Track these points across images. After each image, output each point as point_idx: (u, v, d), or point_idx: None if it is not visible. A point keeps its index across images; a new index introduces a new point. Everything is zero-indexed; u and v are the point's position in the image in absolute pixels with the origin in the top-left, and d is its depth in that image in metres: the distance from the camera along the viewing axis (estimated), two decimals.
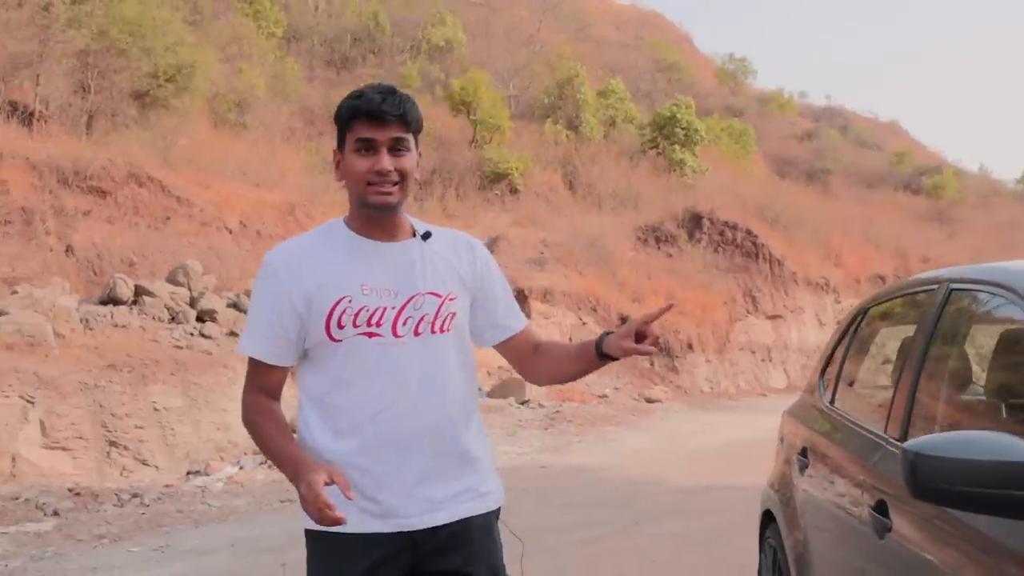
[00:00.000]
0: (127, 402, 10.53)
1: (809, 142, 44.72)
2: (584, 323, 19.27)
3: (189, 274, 12.95)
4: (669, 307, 2.26)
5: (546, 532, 6.46)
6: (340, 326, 2.14)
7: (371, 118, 2.14)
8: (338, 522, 1.93)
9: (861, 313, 3.39)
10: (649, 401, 17.49)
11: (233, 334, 12.58)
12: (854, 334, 3.40)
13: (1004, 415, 2.27)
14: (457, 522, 2.19)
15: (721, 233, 23.45)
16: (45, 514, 8.00)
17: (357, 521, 2.06)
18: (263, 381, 2.22)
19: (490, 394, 14.95)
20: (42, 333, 10.69)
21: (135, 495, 8.73)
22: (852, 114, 56.20)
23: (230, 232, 16.40)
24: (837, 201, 34.05)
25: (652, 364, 19.76)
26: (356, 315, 2.14)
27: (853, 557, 2.61)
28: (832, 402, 3.33)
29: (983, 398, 2.49)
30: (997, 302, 2.32)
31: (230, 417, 11.41)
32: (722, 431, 13.66)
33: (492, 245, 21.23)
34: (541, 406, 15.14)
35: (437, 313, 2.20)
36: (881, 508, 2.40)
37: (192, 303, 12.64)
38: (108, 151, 16.33)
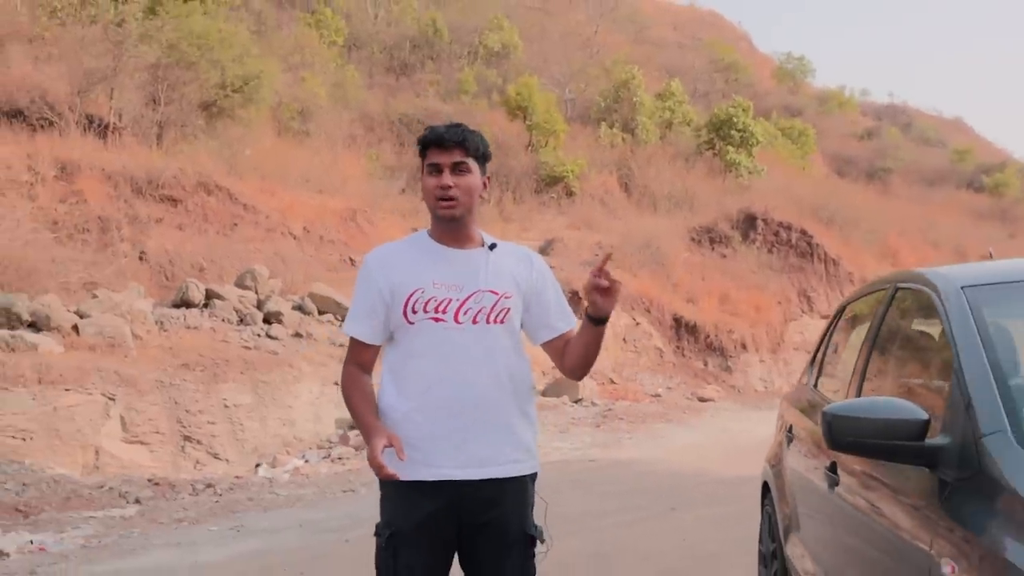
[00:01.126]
0: (200, 399, 11.29)
1: (869, 141, 44.42)
2: (638, 323, 19.70)
3: (256, 278, 13.72)
4: (608, 256, 2.79)
5: (586, 516, 6.99)
6: (414, 311, 2.74)
7: (437, 145, 2.75)
8: (391, 478, 2.55)
9: (841, 309, 3.91)
10: (702, 400, 17.85)
11: (298, 335, 13.31)
12: (835, 327, 3.92)
13: (908, 390, 2.79)
14: (496, 480, 2.73)
15: (775, 233, 23.66)
16: (128, 501, 8.73)
17: (410, 471, 2.64)
18: (359, 357, 2.85)
19: (544, 393, 15.47)
20: (121, 335, 11.49)
21: (209, 485, 9.44)
22: (915, 111, 55.55)
23: (294, 238, 17.18)
24: (897, 200, 33.89)
25: (706, 364, 20.12)
26: (426, 304, 2.74)
27: (817, 512, 3.14)
28: (815, 385, 3.84)
29: (907, 380, 2.97)
30: (924, 300, 2.81)
31: (295, 413, 12.14)
32: (771, 427, 13.96)
33: (548, 248, 21.79)
34: (594, 404, 15.63)
35: (493, 307, 2.77)
36: (833, 468, 2.93)
37: (259, 306, 13.40)
38: (178, 161, 17.25)
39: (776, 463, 4.13)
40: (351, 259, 17.62)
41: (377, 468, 2.56)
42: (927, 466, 2.28)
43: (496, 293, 2.79)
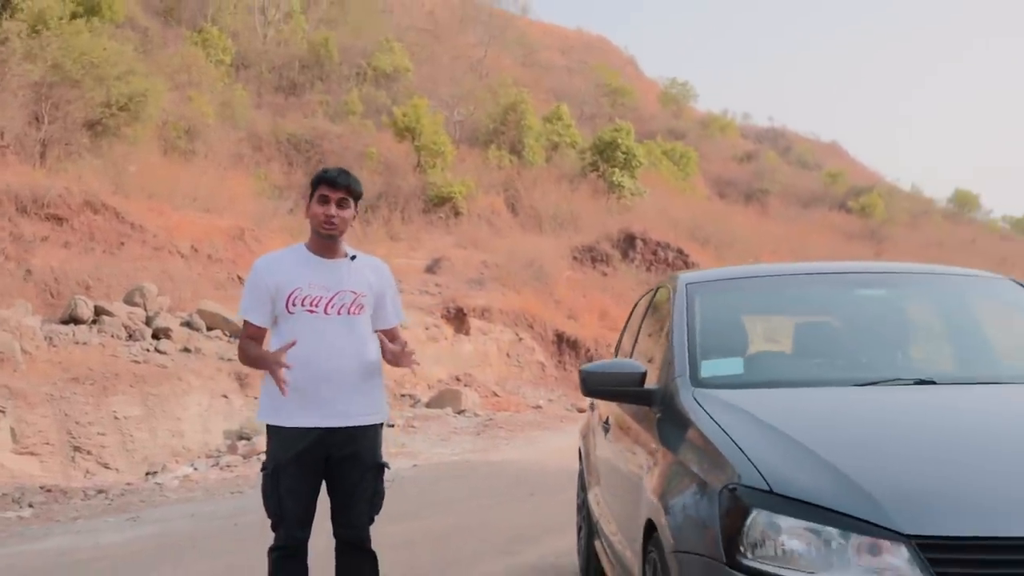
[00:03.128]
0: (90, 411, 11.86)
1: (749, 163, 46.91)
2: (521, 339, 20.85)
3: (145, 295, 14.33)
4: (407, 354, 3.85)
5: (456, 501, 8.00)
6: (294, 304, 3.77)
7: (328, 184, 3.76)
8: (282, 380, 3.57)
9: (634, 306, 5.07)
10: (580, 411, 18.99)
11: (187, 350, 13.96)
12: (629, 319, 5.10)
13: (651, 354, 3.92)
14: (355, 427, 3.78)
15: (654, 252, 25.21)
16: (21, 506, 9.33)
17: (290, 419, 3.69)
18: (252, 335, 3.86)
19: (428, 404, 16.40)
20: (10, 350, 11.98)
21: (100, 491, 10.05)
22: (794, 135, 58.73)
23: (182, 256, 17.74)
24: (773, 220, 36.07)
25: None
26: (303, 299, 3.76)
27: (601, 460, 4.24)
28: None
29: (652, 347, 4.10)
30: (667, 293, 3.95)
31: (184, 425, 12.80)
32: None
33: (435, 266, 22.80)
34: (476, 415, 16.61)
35: (353, 303, 3.82)
36: (607, 421, 4.03)
37: (148, 322, 14.01)
38: (63, 179, 17.64)
39: (585, 434, 5.28)
40: (239, 277, 18.26)
41: (274, 364, 3.61)
42: (646, 404, 3.38)
43: (355, 292, 3.83)
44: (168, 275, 16.69)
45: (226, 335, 14.72)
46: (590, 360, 21.79)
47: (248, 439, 12.61)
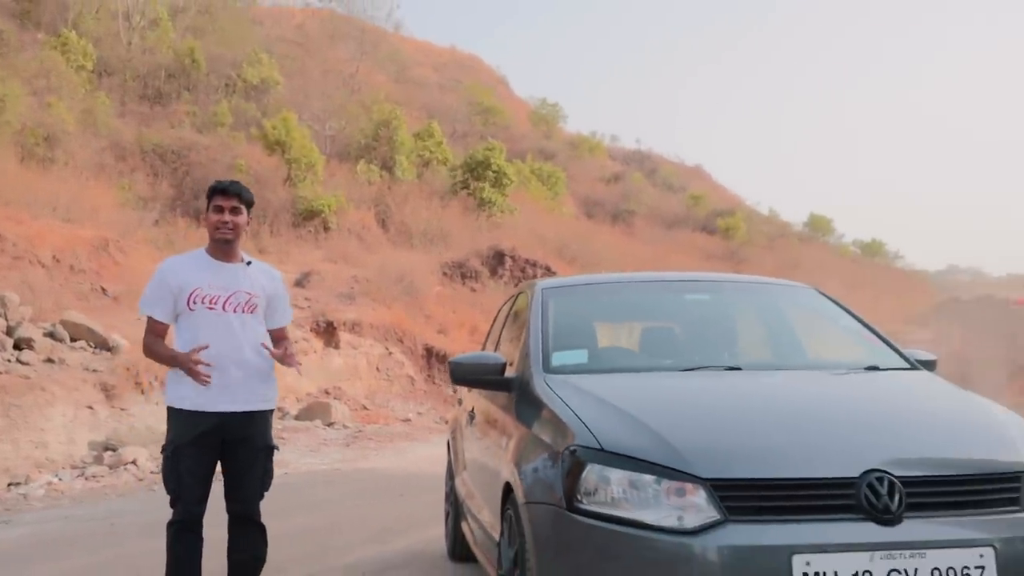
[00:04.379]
0: None
1: (616, 184, 48.52)
2: (391, 353, 21.25)
3: (7, 304, 14.16)
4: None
5: (328, 502, 8.42)
6: (194, 302, 4.21)
7: (222, 193, 4.27)
8: (199, 366, 4.04)
9: (500, 308, 5.69)
10: (448, 423, 19.58)
11: (50, 361, 13.86)
12: (495, 320, 5.71)
13: (511, 348, 4.53)
14: (248, 412, 4.24)
15: (522, 269, 25.99)
16: None
17: (197, 404, 4.14)
18: (155, 331, 4.28)
19: (297, 417, 16.64)
20: None
21: None
22: (660, 158, 60.94)
23: (43, 266, 17.48)
24: (638, 240, 37.49)
25: (455, 391, 21.90)
26: (203, 298, 4.21)
27: (467, 445, 4.81)
28: None
29: (513, 342, 4.71)
30: (527, 297, 4.56)
31: (48, 436, 12.72)
32: None
33: (304, 280, 22.97)
34: (345, 427, 16.94)
35: (248, 302, 4.32)
36: (473, 411, 4.60)
37: (9, 332, 13.84)
38: None
39: (454, 427, 5.87)
40: (103, 288, 18.12)
41: (189, 363, 4.07)
42: (505, 390, 3.96)
43: (250, 293, 4.34)
44: (28, 285, 16.43)
45: (91, 346, 14.66)
46: None
47: (114, 450, 12.63)
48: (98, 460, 12.47)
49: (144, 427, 13.27)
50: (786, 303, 4.73)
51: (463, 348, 22.70)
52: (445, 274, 25.42)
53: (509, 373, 3.98)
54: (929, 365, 4.18)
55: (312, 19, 45.68)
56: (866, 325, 4.36)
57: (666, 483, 2.89)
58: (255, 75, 32.63)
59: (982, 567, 2.78)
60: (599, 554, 2.90)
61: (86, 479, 11.91)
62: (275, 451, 4.42)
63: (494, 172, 31.79)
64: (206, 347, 4.08)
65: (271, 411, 4.41)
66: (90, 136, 26.28)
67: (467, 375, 4.01)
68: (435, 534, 6.57)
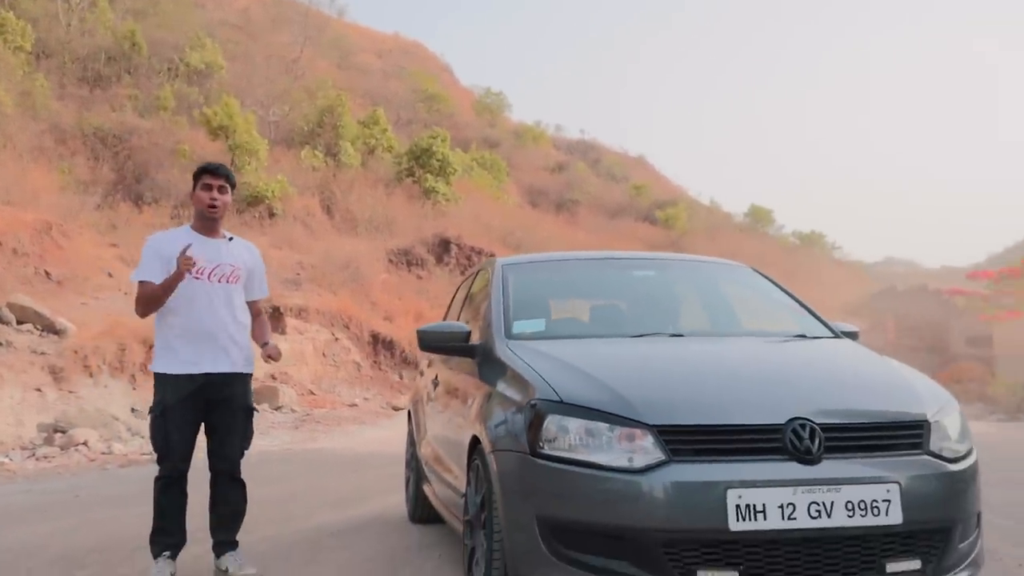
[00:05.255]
0: None
1: (560, 174, 49.14)
2: (337, 339, 21.50)
3: None
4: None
5: (285, 476, 8.75)
6: None
7: (211, 173, 4.66)
8: (190, 264, 4.39)
9: (461, 283, 6.10)
10: (396, 409, 19.89)
11: None
12: (456, 294, 6.12)
13: (474, 318, 4.94)
14: (229, 373, 4.61)
15: (468, 257, 26.37)
16: None
17: (180, 368, 4.48)
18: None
19: None
20: None
21: None
22: (604, 148, 61.72)
23: None
24: (582, 229, 38.06)
25: (401, 377, 22.24)
26: (190, 268, 4.47)
27: (431, 411, 5.21)
28: None
29: (476, 313, 5.11)
30: (488, 273, 4.96)
31: None
32: None
33: None
34: (293, 411, 17.21)
35: (231, 274, 4.69)
36: (436, 378, 5.00)
37: None
38: None
39: (415, 399, 6.28)
40: (47, 272, 18.13)
41: (185, 262, 4.40)
42: (470, 356, 4.36)
43: (232, 266, 4.72)
44: None
45: (38, 329, 14.75)
46: (405, 361, 22.76)
47: (64, 432, 12.76)
48: (48, 441, 12.60)
49: (94, 409, 13.43)
50: (724, 279, 5.23)
51: (409, 335, 23.00)
52: (391, 261, 25.71)
53: (473, 341, 4.38)
54: (852, 336, 4.67)
55: (256, 3, 45.45)
56: (795, 299, 4.86)
57: (618, 430, 3.30)
58: (198, 59, 32.46)
59: (888, 500, 3.24)
60: (560, 492, 3.31)
61: (37, 459, 12.04)
62: (255, 412, 4.77)
63: (439, 161, 32.09)
64: (190, 245, 4.44)
65: (249, 375, 4.77)
66: (29, 119, 26.02)
67: (434, 342, 4.41)
68: (393, 501, 6.95)
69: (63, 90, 29.48)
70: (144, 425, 13.46)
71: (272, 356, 4.73)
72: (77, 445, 12.22)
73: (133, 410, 14.33)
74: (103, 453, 12.00)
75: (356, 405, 19.49)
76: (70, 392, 13.94)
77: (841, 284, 51.10)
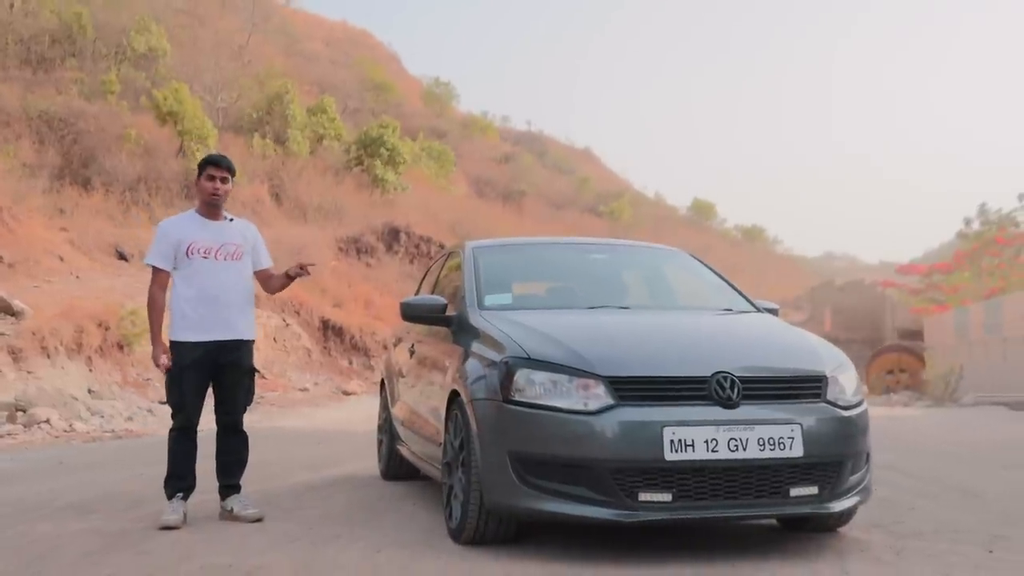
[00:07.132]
0: None
1: (507, 165, 50.01)
2: (288, 325, 22.09)
3: None
4: (306, 268, 5.49)
5: (253, 446, 9.40)
6: (191, 253, 5.27)
7: (215, 165, 5.35)
8: (167, 367, 5.16)
9: (431, 264, 6.87)
10: (346, 393, 20.58)
11: None
12: (427, 273, 6.92)
13: (451, 293, 5.72)
14: (235, 339, 5.33)
15: (417, 246, 27.10)
16: None
17: (197, 336, 5.21)
18: (160, 280, 5.34)
19: None
20: None
21: None
22: (550, 140, 62.81)
23: None
24: (528, 220, 38.94)
25: (351, 363, 22.90)
26: (198, 249, 5.26)
27: (407, 376, 5.99)
28: None
29: (450, 288, 5.88)
30: (460, 254, 5.75)
31: None
32: None
33: None
34: None
35: (235, 252, 5.39)
36: (413, 347, 5.78)
37: None
38: None
39: (388, 367, 7.05)
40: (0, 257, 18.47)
41: (158, 360, 5.19)
42: (446, 326, 5.14)
43: (236, 244, 5.43)
44: None
45: None
46: (355, 347, 23.51)
47: (24, 411, 13.22)
48: (10, 419, 13.07)
49: (53, 389, 13.89)
50: (664, 262, 6.14)
51: (359, 322, 23.73)
52: (340, 249, 26.32)
53: (449, 313, 5.16)
54: (773, 311, 5.54)
55: None
56: (724, 280, 5.73)
57: (576, 380, 4.12)
58: (143, 43, 32.63)
59: (792, 438, 4.10)
60: (528, 432, 4.12)
61: (1, 436, 12.53)
62: (256, 373, 5.49)
63: (388, 150, 32.72)
64: (172, 358, 5.21)
65: (252, 341, 5.50)
66: None
67: (415, 313, 5.21)
68: (364, 465, 7.69)
69: (5, 72, 29.51)
70: (103, 405, 14.05)
71: (304, 268, 5.45)
72: (40, 423, 12.68)
73: (90, 391, 14.83)
74: (65, 431, 12.48)
75: (307, 390, 20.13)
76: (28, 373, 14.39)
77: (782, 278, 52.67)
